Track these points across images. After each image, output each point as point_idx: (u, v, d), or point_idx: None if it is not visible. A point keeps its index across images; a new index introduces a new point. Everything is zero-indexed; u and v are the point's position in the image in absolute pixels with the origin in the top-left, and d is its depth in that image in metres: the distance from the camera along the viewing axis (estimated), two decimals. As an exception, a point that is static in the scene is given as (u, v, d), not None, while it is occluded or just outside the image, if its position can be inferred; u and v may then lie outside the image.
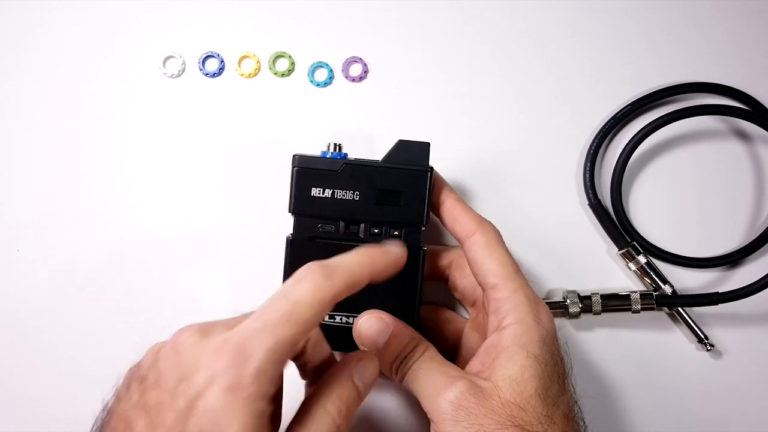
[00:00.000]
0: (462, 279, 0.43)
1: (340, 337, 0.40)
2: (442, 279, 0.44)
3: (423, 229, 0.40)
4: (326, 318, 0.40)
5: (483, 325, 0.41)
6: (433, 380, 0.36)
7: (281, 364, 0.31)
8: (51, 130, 0.47)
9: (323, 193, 0.39)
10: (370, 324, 0.38)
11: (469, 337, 0.42)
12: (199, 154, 0.47)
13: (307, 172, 0.39)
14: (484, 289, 0.39)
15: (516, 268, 0.38)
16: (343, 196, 0.39)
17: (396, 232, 0.40)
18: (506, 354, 0.36)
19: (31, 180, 0.47)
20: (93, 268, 0.46)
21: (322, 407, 0.33)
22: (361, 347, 0.38)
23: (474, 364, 0.38)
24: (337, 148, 0.40)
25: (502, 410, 0.34)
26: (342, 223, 0.40)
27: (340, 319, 0.40)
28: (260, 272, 0.46)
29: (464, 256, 0.40)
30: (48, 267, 0.46)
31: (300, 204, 0.39)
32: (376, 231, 0.40)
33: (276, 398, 0.32)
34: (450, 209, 0.40)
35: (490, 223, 0.40)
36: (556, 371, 0.36)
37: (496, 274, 0.38)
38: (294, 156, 0.40)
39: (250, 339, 0.30)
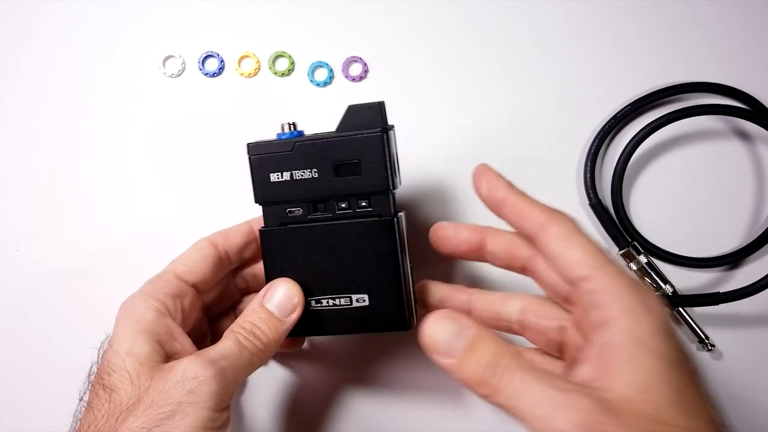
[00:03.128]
0: (548, 271, 0.35)
1: (332, 319, 0.39)
2: (524, 272, 0.37)
3: (394, 193, 0.38)
4: (314, 304, 0.39)
5: (583, 323, 0.34)
6: (544, 397, 0.29)
7: (155, 300, 0.37)
8: (51, 130, 0.47)
9: (282, 177, 0.38)
10: (441, 328, 0.32)
11: (573, 338, 0.35)
12: (199, 154, 0.47)
13: (262, 159, 0.39)
14: (573, 285, 0.33)
15: (605, 254, 0.32)
16: (302, 176, 0.38)
17: (364, 203, 0.38)
18: (622, 355, 0.29)
19: (31, 180, 0.47)
20: (93, 268, 0.46)
21: (229, 329, 0.37)
22: (435, 358, 0.32)
23: (583, 371, 0.31)
24: (292, 127, 0.39)
25: (637, 426, 0.28)
26: (309, 204, 0.39)
27: (327, 302, 0.39)
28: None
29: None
30: (48, 267, 0.46)
31: (262, 192, 0.39)
32: (343, 206, 0.38)
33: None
34: (512, 207, 0.35)
35: (563, 212, 0.34)
36: (686, 369, 0.30)
37: (584, 262, 0.32)
38: (248, 144, 0.39)
39: (133, 297, 0.38)
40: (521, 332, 0.38)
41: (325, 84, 0.47)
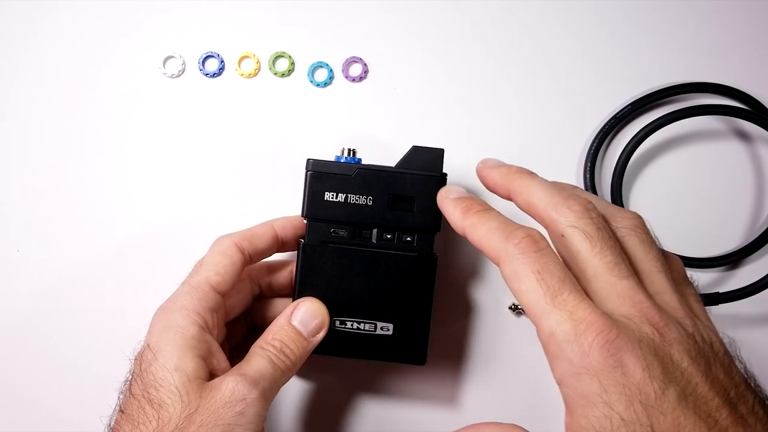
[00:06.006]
0: None
1: (353, 342, 0.40)
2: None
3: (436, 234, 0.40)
4: (338, 324, 0.40)
5: None
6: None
7: (196, 315, 0.37)
8: (51, 130, 0.47)
9: (336, 198, 0.39)
10: None
11: None
12: (199, 154, 0.47)
13: (321, 177, 0.39)
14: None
15: (549, 295, 0.30)
16: (357, 200, 0.39)
17: (408, 238, 0.40)
18: None
19: (31, 180, 0.47)
20: (93, 269, 0.46)
21: (258, 345, 0.37)
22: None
23: None
24: (351, 153, 0.41)
25: None
26: (355, 229, 0.40)
27: (351, 324, 0.40)
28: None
29: None
30: (48, 267, 0.46)
31: (313, 208, 0.40)
32: (388, 236, 0.40)
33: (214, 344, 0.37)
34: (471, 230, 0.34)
35: (521, 233, 0.32)
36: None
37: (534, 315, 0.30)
38: (308, 160, 0.40)
39: (171, 309, 0.37)
40: None
41: (325, 84, 0.47)
